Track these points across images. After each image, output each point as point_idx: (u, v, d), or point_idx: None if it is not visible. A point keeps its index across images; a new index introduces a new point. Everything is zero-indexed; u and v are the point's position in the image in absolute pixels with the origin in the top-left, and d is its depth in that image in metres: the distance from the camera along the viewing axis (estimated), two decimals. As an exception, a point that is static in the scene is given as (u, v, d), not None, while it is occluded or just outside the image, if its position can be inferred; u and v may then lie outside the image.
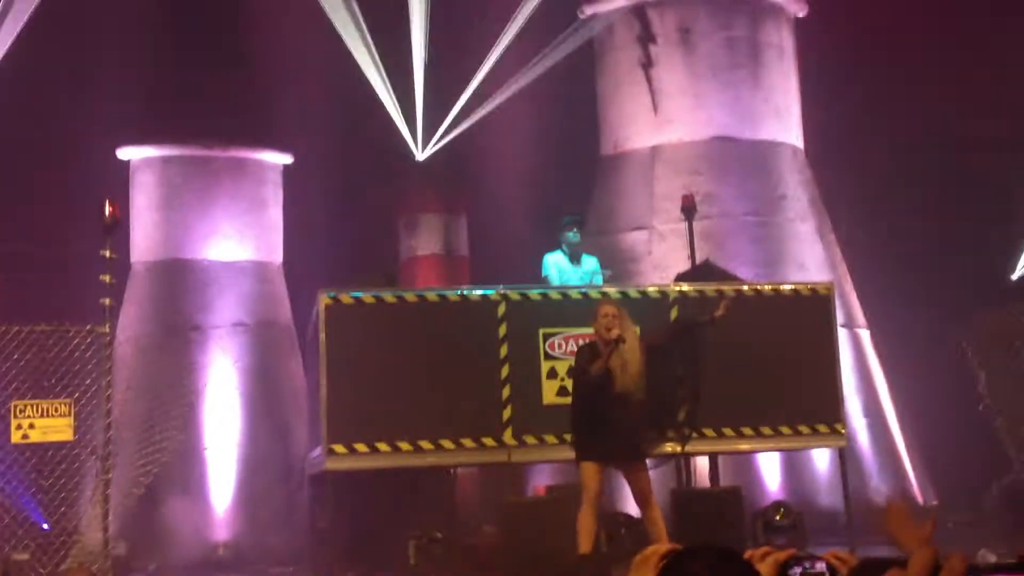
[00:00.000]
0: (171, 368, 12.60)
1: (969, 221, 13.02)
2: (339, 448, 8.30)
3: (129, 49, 13.44)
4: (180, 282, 13.44)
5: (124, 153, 14.00)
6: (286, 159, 14.30)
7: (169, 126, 13.70)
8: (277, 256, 14.12)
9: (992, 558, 7.71)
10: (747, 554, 2.13)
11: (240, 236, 13.72)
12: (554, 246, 9.91)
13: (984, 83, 13.46)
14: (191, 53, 14.31)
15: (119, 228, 9.41)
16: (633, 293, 9.17)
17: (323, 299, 8.51)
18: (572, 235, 9.80)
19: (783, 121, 12.86)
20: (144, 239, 13.68)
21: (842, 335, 10.06)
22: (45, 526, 8.98)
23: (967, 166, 13.36)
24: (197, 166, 13.78)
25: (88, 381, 8.73)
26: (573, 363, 7.47)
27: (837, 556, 2.19)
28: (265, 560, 11.26)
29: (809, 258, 12.40)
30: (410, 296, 8.90)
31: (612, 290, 9.21)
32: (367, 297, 8.63)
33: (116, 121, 13.47)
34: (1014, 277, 13.42)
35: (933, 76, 13.61)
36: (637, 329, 7.50)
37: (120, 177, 13.75)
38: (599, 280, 9.85)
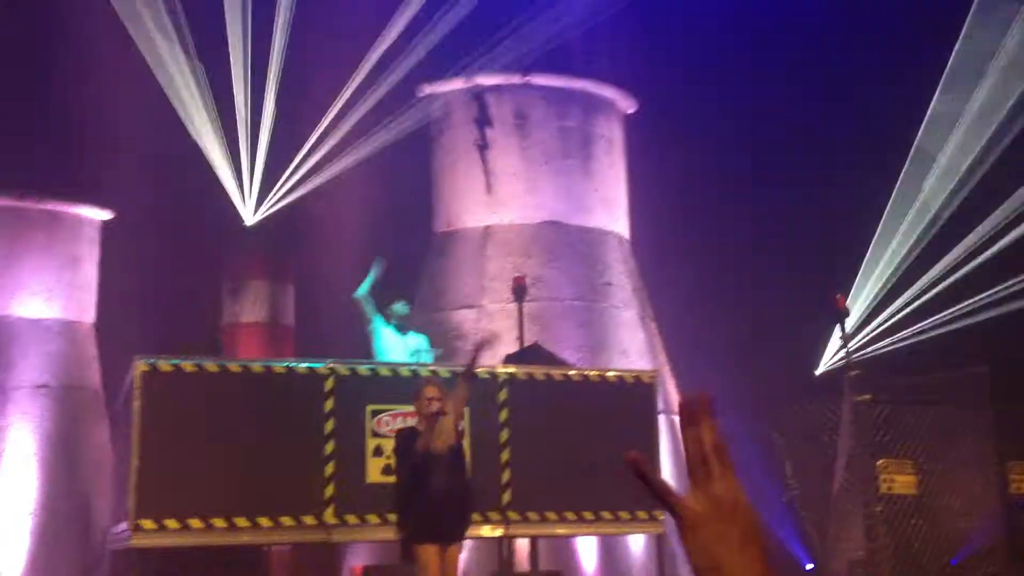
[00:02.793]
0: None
1: (782, 316, 13.71)
2: (147, 524, 7.90)
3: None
4: (-20, 338, 12.60)
5: (-74, 199, 13.15)
6: (105, 215, 13.70)
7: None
8: (89, 316, 13.44)
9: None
10: None
11: (49, 293, 13.00)
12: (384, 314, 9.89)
13: (809, 183, 14.31)
14: (9, 101, 13.64)
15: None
16: (461, 370, 9.17)
17: (139, 366, 8.15)
18: (400, 307, 9.84)
19: (611, 210, 13.27)
20: (-58, 290, 12.80)
21: (660, 421, 10.33)
22: None
23: (782, 262, 14.11)
24: (7, 217, 13.04)
25: None
26: (395, 446, 7.31)
27: None
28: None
29: (631, 344, 12.73)
30: (233, 366, 8.63)
31: (442, 368, 9.20)
32: (187, 365, 8.32)
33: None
34: (817, 372, 14.14)
35: (758, 177, 14.39)
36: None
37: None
38: (428, 359, 9.84)
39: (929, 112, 13.93)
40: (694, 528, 1.26)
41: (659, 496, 1.31)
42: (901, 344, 13.97)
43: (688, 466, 1.29)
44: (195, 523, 8.01)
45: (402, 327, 9.90)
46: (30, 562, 11.94)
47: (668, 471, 11.72)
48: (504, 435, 9.02)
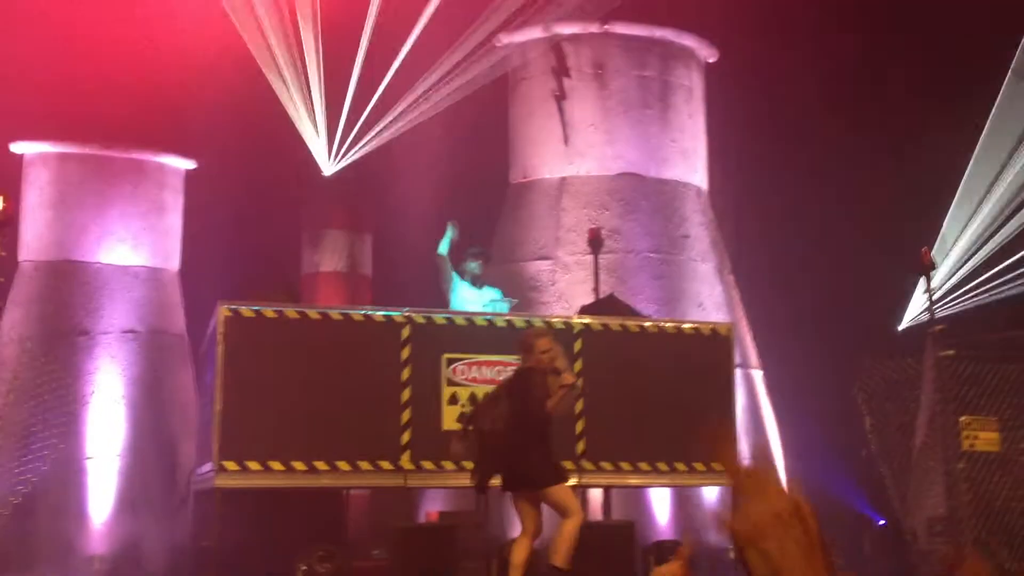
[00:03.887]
0: (56, 373, 12.12)
1: (865, 270, 13.45)
2: (230, 465, 8.10)
3: (35, 41, 13.00)
4: (70, 284, 12.97)
5: (18, 147, 13.50)
6: (189, 164, 13.97)
7: (69, 122, 13.26)
8: (174, 263, 13.76)
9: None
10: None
11: (135, 240, 13.33)
12: (460, 271, 9.94)
13: (895, 133, 13.96)
14: (96, 50, 13.90)
15: (9, 224, 9.05)
16: (537, 322, 9.20)
17: (223, 311, 8.32)
18: (474, 266, 9.86)
19: (689, 162, 13.10)
20: (34, 238, 13.19)
21: (736, 375, 10.25)
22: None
23: (864, 218, 13.82)
24: (95, 165, 13.35)
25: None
26: (524, 389, 7.04)
27: None
28: (143, 575, 10.91)
29: (708, 298, 12.62)
30: (313, 313, 8.76)
31: (517, 318, 9.23)
32: (268, 312, 8.46)
33: (10, 113, 12.99)
34: (900, 328, 13.88)
35: (841, 127, 14.06)
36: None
37: (10, 171, 13.25)
38: (504, 308, 9.87)
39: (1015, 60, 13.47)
40: (754, 540, 1.27)
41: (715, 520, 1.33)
42: (987, 299, 13.63)
43: (736, 483, 1.30)
44: (276, 465, 8.20)
45: (477, 281, 9.96)
46: (118, 501, 12.36)
47: (742, 424, 11.65)
48: (579, 385, 9.02)
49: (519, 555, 6.76)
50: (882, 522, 11.21)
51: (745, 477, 1.33)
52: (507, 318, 9.22)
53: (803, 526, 1.25)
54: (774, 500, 1.27)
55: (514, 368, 7.34)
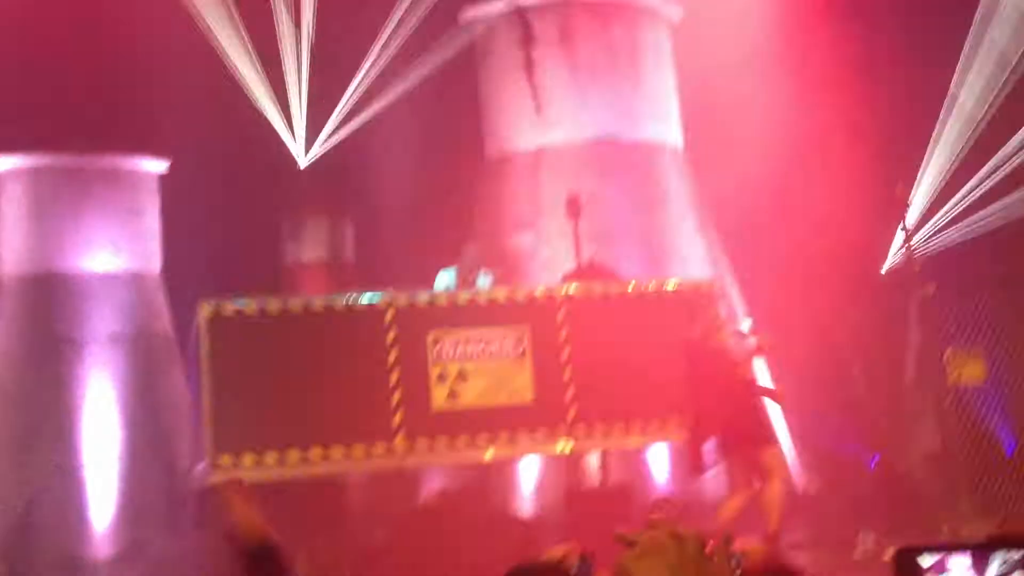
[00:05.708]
0: (46, 383, 12.15)
1: (843, 215, 13.44)
2: (225, 460, 8.13)
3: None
4: (53, 295, 12.98)
5: (-11, 164, 13.49)
6: (162, 166, 13.94)
7: (37, 135, 13.22)
8: (155, 265, 13.75)
9: (871, 537, 8.00)
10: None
11: (115, 246, 13.33)
12: (448, 262, 9.82)
13: (866, 75, 13.91)
14: (57, 59, 13.82)
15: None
16: (520, 296, 9.22)
17: (204, 310, 8.33)
18: (484, 281, 9.62)
19: (663, 122, 13.07)
20: (12, 252, 13.19)
21: (724, 331, 10.25)
22: None
23: (844, 164, 13.80)
24: (68, 175, 13.34)
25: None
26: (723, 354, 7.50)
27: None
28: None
29: (691, 255, 12.63)
30: (294, 305, 8.77)
31: (499, 293, 9.24)
32: (250, 307, 8.47)
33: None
34: (883, 270, 13.89)
35: (810, 73, 14.01)
36: None
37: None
38: (485, 283, 9.86)
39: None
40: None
41: None
42: (967, 235, 13.64)
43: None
44: (270, 457, 8.23)
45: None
46: (119, 507, 12.41)
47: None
48: (565, 353, 9.05)
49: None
50: (875, 460, 11.28)
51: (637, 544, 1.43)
52: (489, 295, 9.23)
53: (679, 548, 1.36)
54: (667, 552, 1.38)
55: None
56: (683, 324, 9.31)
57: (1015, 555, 1.82)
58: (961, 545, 1.85)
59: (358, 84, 13.99)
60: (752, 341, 7.71)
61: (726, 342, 7.63)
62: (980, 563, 1.83)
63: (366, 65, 13.93)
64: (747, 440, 7.25)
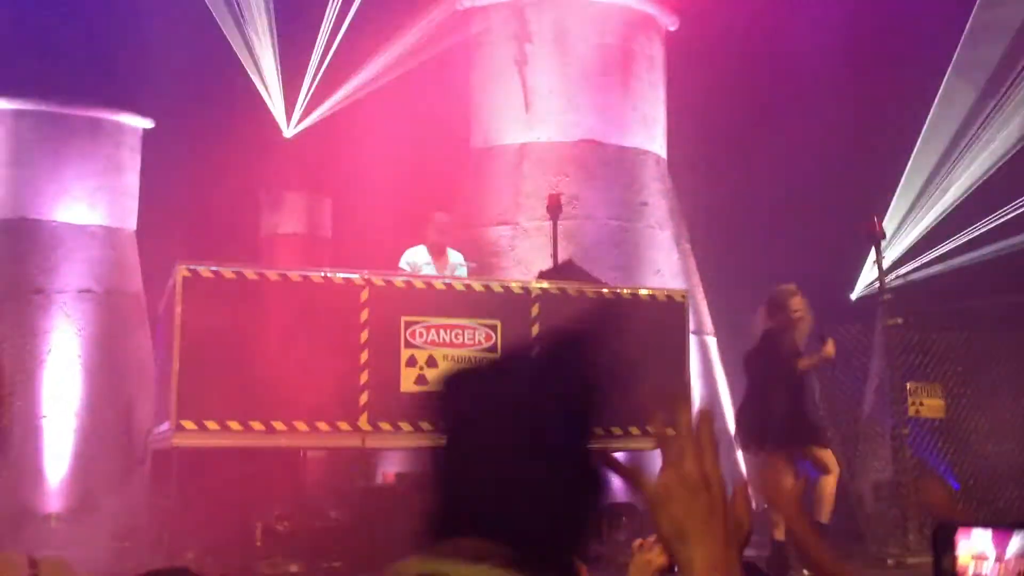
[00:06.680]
0: (11, 331, 12.04)
1: (818, 239, 13.63)
2: (188, 424, 8.12)
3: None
4: (25, 242, 12.84)
5: (-29, 104, 13.32)
6: (147, 123, 13.84)
7: (24, 79, 13.08)
8: (130, 223, 13.65)
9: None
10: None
11: (92, 199, 13.21)
12: (417, 239, 9.92)
13: (849, 104, 14.11)
14: (54, 7, 13.70)
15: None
16: (496, 287, 9.27)
17: (181, 271, 8.30)
18: (463, 271, 9.73)
19: (649, 130, 13.18)
20: (-12, 195, 13.05)
21: (692, 341, 10.40)
22: None
23: (819, 186, 13.98)
24: (51, 123, 13.18)
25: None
26: (773, 350, 7.62)
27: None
28: (99, 533, 10.90)
29: (665, 265, 12.76)
30: (272, 274, 8.77)
31: (476, 283, 9.30)
32: (227, 272, 8.46)
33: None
34: (853, 297, 14.11)
35: (797, 98, 14.19)
36: None
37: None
38: (463, 273, 9.93)
39: (968, 29, 13.66)
40: (663, 503, 1.41)
41: (627, 479, 1.47)
42: (938, 270, 13.88)
43: (661, 448, 1.44)
44: (234, 425, 8.22)
45: (439, 250, 9.89)
46: (74, 461, 12.34)
47: (698, 391, 11.85)
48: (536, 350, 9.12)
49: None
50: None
51: (666, 442, 1.48)
52: (465, 282, 9.29)
53: (708, 494, 1.41)
54: (687, 467, 1.43)
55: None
56: (652, 332, 9.45)
57: None
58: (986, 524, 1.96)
59: (353, 61, 13.96)
60: (829, 346, 7.92)
61: (801, 339, 7.80)
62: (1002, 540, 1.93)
63: (362, 43, 13.90)
64: (811, 435, 7.44)
